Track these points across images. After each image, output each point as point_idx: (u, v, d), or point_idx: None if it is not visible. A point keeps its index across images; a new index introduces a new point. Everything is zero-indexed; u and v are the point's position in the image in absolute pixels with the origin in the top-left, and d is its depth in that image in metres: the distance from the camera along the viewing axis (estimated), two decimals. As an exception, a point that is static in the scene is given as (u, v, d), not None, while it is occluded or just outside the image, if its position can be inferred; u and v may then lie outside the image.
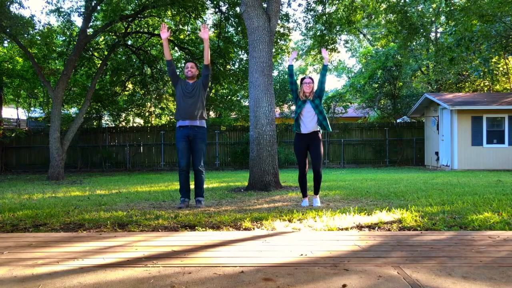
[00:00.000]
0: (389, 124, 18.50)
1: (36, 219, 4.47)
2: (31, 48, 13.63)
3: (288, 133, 17.73)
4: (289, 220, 4.18)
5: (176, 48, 16.66)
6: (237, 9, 13.45)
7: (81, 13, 13.16)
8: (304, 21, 15.01)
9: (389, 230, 3.76)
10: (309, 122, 5.30)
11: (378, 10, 14.52)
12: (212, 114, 20.96)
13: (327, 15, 14.00)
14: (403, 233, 3.53)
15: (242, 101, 21.51)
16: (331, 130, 5.49)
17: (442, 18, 17.33)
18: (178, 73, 5.52)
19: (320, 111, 5.28)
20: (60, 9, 13.13)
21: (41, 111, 20.11)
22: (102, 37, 16.05)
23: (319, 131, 5.38)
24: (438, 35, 23.20)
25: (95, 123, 18.80)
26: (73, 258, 2.78)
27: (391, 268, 2.48)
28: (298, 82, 5.61)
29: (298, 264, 2.60)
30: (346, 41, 24.48)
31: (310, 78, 5.39)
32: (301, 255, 2.80)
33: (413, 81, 22.45)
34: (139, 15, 14.07)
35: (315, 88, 5.43)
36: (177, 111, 5.45)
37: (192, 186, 5.52)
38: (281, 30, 14.89)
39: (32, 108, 20.87)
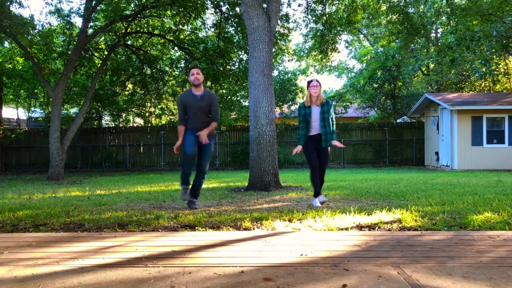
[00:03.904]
0: (389, 124, 18.49)
1: (36, 219, 4.47)
2: (31, 48, 13.63)
3: (288, 133, 17.73)
4: (289, 220, 4.18)
5: (176, 48, 16.65)
6: (237, 9, 13.45)
7: (81, 13, 13.17)
8: (304, 21, 15.01)
9: (389, 230, 3.76)
10: (317, 128, 5.28)
11: (378, 10, 14.52)
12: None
13: (327, 15, 14.01)
14: (403, 233, 3.53)
15: (242, 101, 21.48)
16: (324, 146, 5.24)
17: (443, 18, 17.32)
18: (180, 101, 5.44)
19: (324, 125, 5.20)
20: (60, 11, 13.13)
21: (41, 111, 20.12)
22: (102, 37, 16.06)
23: None
24: (439, 35, 23.19)
25: (95, 123, 18.80)
26: (73, 258, 2.78)
27: (391, 268, 2.48)
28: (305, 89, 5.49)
29: (298, 264, 2.60)
30: (347, 41, 24.50)
31: (317, 81, 5.29)
32: (301, 255, 2.80)
33: (413, 81, 22.44)
34: (139, 15, 14.07)
35: (322, 95, 5.38)
36: (188, 121, 5.34)
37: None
38: (281, 30, 14.89)
39: (32, 108, 20.88)
